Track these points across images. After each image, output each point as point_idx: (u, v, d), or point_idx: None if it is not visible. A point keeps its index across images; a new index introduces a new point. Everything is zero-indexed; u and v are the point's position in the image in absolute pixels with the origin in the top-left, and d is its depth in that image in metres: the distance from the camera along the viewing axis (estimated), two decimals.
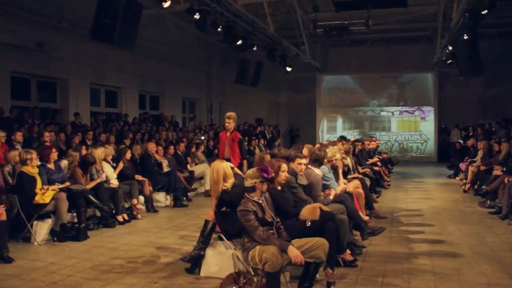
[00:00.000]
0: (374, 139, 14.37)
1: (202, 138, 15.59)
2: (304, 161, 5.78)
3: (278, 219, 4.53)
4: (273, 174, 4.50)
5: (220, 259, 5.21)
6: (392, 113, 22.05)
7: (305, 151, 6.74)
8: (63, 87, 14.09)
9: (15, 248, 6.31)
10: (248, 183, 4.42)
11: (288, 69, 18.77)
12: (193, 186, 11.18)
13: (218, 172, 5.15)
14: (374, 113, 22.30)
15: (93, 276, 5.28)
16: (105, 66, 15.14)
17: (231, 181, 5.13)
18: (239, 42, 14.58)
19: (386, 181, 12.67)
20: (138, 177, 9.22)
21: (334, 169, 7.15)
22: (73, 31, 12.88)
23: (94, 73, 14.90)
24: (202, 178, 11.67)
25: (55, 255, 6.18)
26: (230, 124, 8.64)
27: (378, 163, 12.00)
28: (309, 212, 4.91)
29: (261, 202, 4.42)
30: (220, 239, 5.36)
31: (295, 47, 17.78)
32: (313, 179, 5.86)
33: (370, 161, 11.79)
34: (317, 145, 8.32)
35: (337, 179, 7.15)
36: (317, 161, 6.27)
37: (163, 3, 11.03)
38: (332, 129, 22.70)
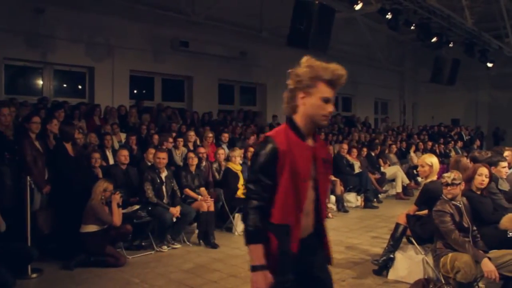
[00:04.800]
0: None
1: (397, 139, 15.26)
2: (505, 164, 5.36)
3: (475, 228, 4.29)
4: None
5: (410, 263, 5.15)
6: None
7: (507, 154, 6.20)
8: (262, 91, 15.22)
9: (220, 236, 7.12)
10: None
11: (489, 65, 17.16)
12: (384, 188, 11.07)
13: (437, 165, 5.12)
14: None
15: None
16: None
17: (435, 178, 5.06)
18: (434, 39, 13.89)
19: None
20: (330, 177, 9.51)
21: None
22: (271, 39, 13.79)
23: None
24: (393, 180, 11.44)
25: None
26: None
27: None
28: (511, 221, 4.54)
29: (460, 206, 4.26)
30: (411, 243, 5.28)
31: (498, 40, 16.20)
32: None
33: None
34: None
35: None
36: None
37: (355, 5, 11.13)
38: None
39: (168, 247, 6.55)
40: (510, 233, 4.39)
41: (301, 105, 2.46)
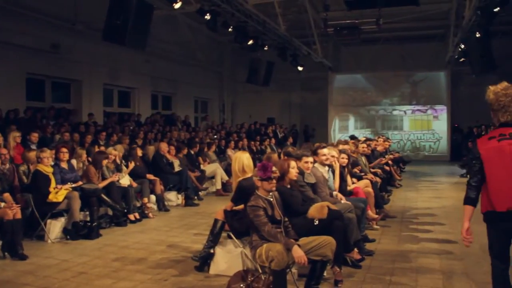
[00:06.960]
0: (383, 138, 14.22)
1: (215, 137, 15.68)
2: (310, 159, 5.79)
3: (287, 219, 4.57)
4: (270, 174, 4.46)
5: (229, 257, 5.29)
6: (405, 112, 22.01)
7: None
8: (77, 88, 14.30)
9: (29, 245, 6.43)
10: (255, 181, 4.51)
11: (300, 68, 18.75)
12: (204, 185, 11.27)
13: (242, 163, 5.25)
14: (386, 112, 22.30)
15: (104, 273, 5.38)
16: (118, 67, 15.31)
17: (251, 174, 5.23)
18: (250, 42, 14.65)
19: (397, 180, 12.64)
20: (150, 176, 9.34)
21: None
22: (87, 32, 13.04)
23: (107, 74, 15.09)
24: (213, 177, 11.73)
25: (67, 252, 6.31)
26: None
27: (389, 162, 11.96)
28: (317, 210, 4.93)
29: (271, 199, 4.47)
30: (229, 237, 5.43)
31: (307, 46, 17.78)
32: (316, 177, 5.85)
33: (384, 160, 11.74)
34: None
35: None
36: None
37: (174, 4, 11.11)
38: (344, 128, 22.71)
39: None
40: (316, 221, 4.78)
41: None
